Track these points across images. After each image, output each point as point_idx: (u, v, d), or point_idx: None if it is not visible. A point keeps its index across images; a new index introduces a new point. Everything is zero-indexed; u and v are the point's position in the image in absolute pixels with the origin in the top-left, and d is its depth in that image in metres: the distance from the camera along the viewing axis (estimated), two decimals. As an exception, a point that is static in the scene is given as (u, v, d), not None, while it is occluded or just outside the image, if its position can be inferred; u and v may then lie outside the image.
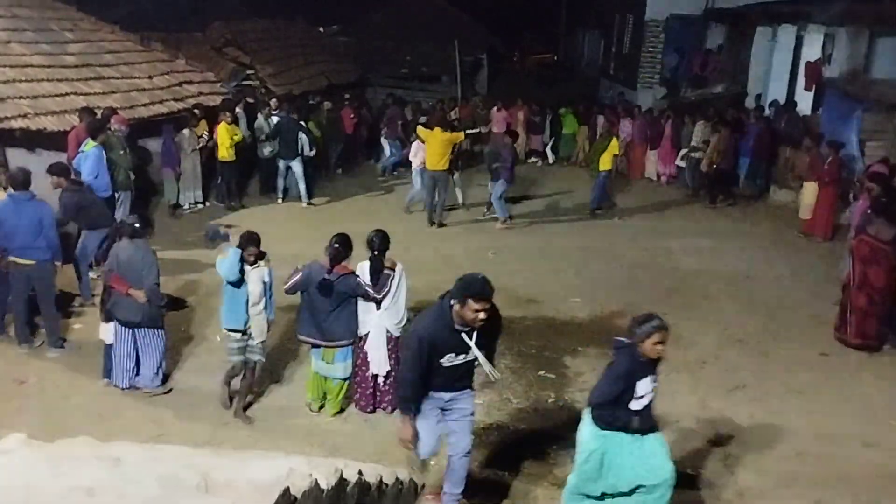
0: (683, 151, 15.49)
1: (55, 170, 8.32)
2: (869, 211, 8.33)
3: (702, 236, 12.37)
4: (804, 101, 15.84)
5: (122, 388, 6.80)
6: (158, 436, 6.05)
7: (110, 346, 6.79)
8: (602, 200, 13.83)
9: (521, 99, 19.50)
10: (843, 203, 11.82)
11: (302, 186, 13.66)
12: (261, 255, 6.30)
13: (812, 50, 16.11)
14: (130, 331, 6.68)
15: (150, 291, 6.51)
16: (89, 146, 9.41)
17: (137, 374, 6.87)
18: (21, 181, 7.27)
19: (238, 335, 6.36)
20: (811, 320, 8.92)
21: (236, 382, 6.67)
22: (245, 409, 6.57)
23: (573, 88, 25.48)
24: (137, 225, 6.71)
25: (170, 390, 6.94)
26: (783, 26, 16.75)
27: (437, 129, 12.63)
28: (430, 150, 12.53)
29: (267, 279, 6.34)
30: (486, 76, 26.50)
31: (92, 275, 9.26)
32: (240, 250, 6.15)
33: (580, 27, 31.89)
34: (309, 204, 13.71)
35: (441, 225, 12.74)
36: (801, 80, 16.27)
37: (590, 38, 30.16)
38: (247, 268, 6.20)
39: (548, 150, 18.66)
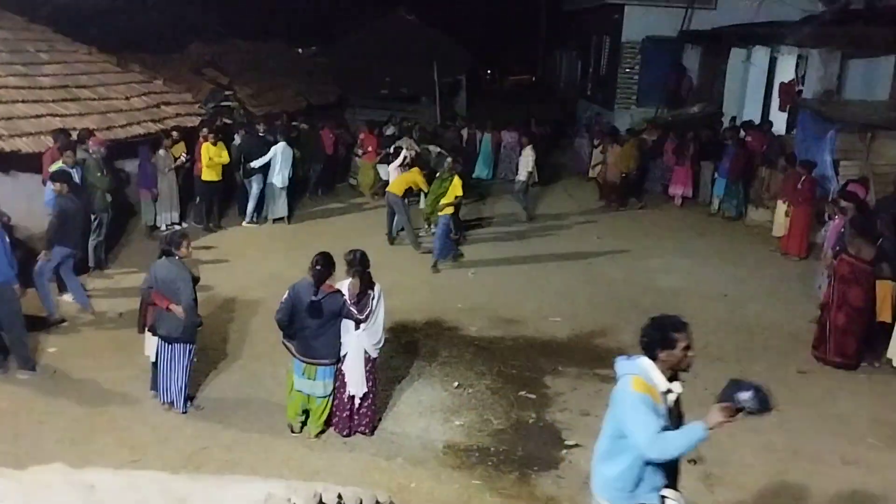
0: (521, 178, 14.51)
1: (57, 177, 8.67)
2: (842, 230, 8.41)
3: (680, 255, 12.45)
4: (779, 122, 16.07)
5: (163, 404, 6.84)
6: (133, 461, 5.97)
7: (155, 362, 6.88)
8: (448, 251, 11.64)
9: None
10: (817, 222, 11.95)
11: (250, 206, 13.58)
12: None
13: (786, 71, 16.38)
14: (168, 345, 6.71)
15: (186, 307, 6.53)
16: (55, 167, 9.35)
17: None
18: None
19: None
20: (789, 338, 8.98)
21: None
22: None
23: (551, 109, 25.68)
24: (169, 244, 6.72)
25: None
26: (757, 48, 17.01)
27: None
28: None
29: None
30: (465, 97, 26.63)
31: (67, 297, 9.15)
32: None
33: (558, 48, 32.18)
34: (251, 223, 13.61)
35: (391, 242, 12.64)
36: (775, 101, 16.51)
37: (568, 59, 30.44)
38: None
39: None
